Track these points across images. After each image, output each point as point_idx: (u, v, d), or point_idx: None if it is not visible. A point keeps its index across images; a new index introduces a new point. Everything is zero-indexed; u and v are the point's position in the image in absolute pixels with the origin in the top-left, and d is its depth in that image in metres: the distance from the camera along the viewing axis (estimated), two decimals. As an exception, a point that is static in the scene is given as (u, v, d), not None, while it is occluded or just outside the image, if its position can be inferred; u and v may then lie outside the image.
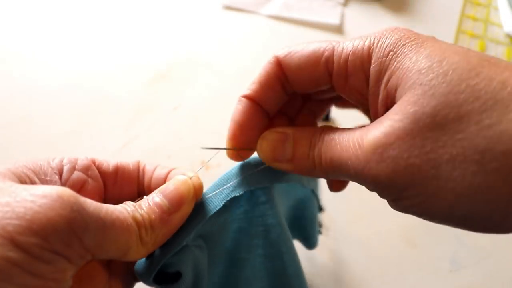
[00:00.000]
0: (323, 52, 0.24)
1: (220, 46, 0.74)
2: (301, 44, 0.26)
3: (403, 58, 0.21)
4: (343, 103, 0.32)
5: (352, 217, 0.54)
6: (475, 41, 0.80)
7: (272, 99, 0.27)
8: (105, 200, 0.28)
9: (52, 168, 0.25)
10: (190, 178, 0.25)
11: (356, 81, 0.24)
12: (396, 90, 0.21)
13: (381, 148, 0.20)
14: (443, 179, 0.18)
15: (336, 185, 0.30)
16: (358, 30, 0.78)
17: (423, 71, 0.19)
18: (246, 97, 0.27)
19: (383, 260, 0.51)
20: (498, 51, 0.79)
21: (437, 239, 0.53)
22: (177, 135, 0.61)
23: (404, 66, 0.20)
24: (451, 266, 0.51)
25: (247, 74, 0.70)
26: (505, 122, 0.17)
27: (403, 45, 0.21)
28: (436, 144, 0.18)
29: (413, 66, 0.20)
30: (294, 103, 0.30)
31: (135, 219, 0.22)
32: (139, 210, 0.23)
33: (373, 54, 0.22)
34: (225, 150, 0.27)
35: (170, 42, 0.74)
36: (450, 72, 0.18)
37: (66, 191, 0.19)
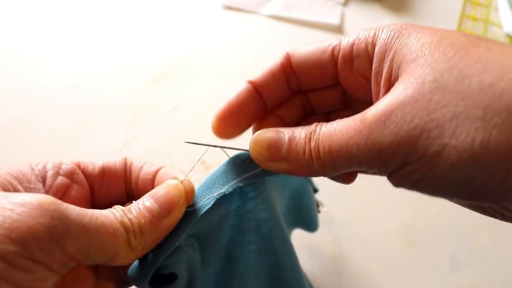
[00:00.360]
0: (330, 43, 0.25)
1: (220, 46, 0.74)
2: (308, 43, 0.26)
3: (407, 37, 0.22)
4: None
5: (352, 217, 0.54)
6: (475, 41, 0.80)
7: (272, 88, 0.27)
8: (92, 203, 0.27)
9: (35, 175, 0.24)
10: (181, 182, 0.25)
11: (361, 63, 0.24)
12: (399, 66, 0.21)
13: (384, 116, 0.20)
14: (446, 137, 0.18)
15: (346, 176, 0.28)
16: (358, 30, 0.78)
17: (426, 45, 0.20)
18: (248, 82, 0.27)
19: (383, 259, 0.51)
20: (498, 51, 0.79)
21: (437, 239, 0.53)
22: (177, 135, 0.61)
23: (408, 43, 0.21)
24: (451, 266, 0.51)
25: (247, 74, 0.70)
26: (506, 80, 0.17)
27: (407, 28, 0.22)
28: (439, 105, 0.18)
29: (416, 42, 0.21)
30: (295, 113, 0.29)
31: (123, 224, 0.22)
32: (128, 214, 0.22)
33: (378, 38, 0.23)
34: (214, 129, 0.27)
35: (170, 42, 0.74)
36: (451, 45, 0.20)
37: (46, 199, 0.19)
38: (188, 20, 0.78)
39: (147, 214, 0.23)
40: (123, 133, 0.61)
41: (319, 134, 0.23)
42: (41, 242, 0.18)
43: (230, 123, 0.27)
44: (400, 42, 0.22)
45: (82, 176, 0.26)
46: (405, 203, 0.56)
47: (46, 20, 0.75)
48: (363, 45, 0.24)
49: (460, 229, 0.54)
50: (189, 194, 0.25)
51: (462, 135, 0.18)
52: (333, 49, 0.25)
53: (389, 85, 0.22)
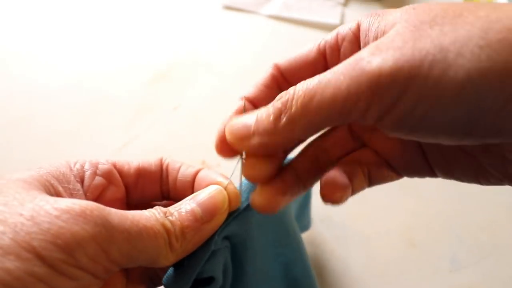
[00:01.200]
0: (314, 43, 0.26)
1: (220, 46, 0.74)
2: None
3: (391, 11, 0.22)
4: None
5: (352, 217, 0.54)
6: (475, 41, 0.80)
7: (268, 100, 0.24)
8: (128, 204, 0.27)
9: (74, 175, 0.24)
10: (225, 187, 0.25)
11: (348, 45, 0.24)
12: (385, 26, 0.21)
13: (384, 45, 0.19)
14: (451, 57, 0.17)
15: (328, 189, 0.24)
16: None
17: (411, 7, 0.21)
18: (242, 98, 0.27)
19: (383, 259, 0.51)
20: (498, 51, 0.79)
21: (437, 239, 0.53)
22: (177, 135, 0.61)
23: (393, 12, 0.21)
24: (451, 266, 0.51)
25: (247, 74, 0.70)
26: (497, 12, 0.18)
27: (387, 10, 0.22)
28: (440, 33, 0.18)
29: (399, 10, 0.21)
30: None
31: (164, 226, 0.22)
32: (170, 216, 0.22)
33: (361, 21, 0.23)
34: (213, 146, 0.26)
35: (170, 42, 0.74)
36: (435, 4, 0.20)
37: (89, 205, 0.19)
38: (188, 20, 0.78)
39: (190, 217, 0.23)
40: (123, 133, 0.61)
41: (295, 87, 0.21)
42: (86, 249, 0.18)
43: (226, 146, 0.25)
44: (384, 15, 0.22)
45: (118, 176, 0.26)
46: (405, 203, 0.56)
47: (46, 20, 0.75)
48: (347, 29, 0.24)
49: (460, 229, 0.54)
50: (233, 200, 0.25)
51: (468, 54, 0.17)
52: (318, 45, 0.25)
53: None
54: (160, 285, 0.25)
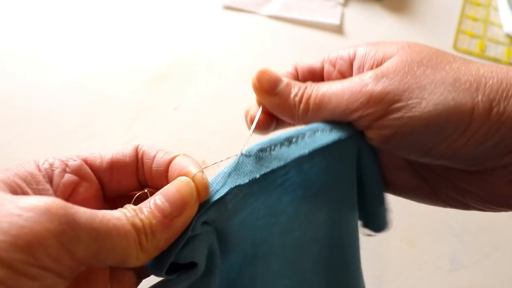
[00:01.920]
0: (321, 59, 0.32)
1: (220, 46, 0.74)
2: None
3: (389, 43, 0.28)
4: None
5: (352, 217, 0.54)
6: (475, 41, 0.80)
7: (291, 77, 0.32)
8: (105, 198, 0.27)
9: (43, 174, 0.23)
10: (193, 177, 0.24)
11: (343, 64, 0.30)
12: (383, 56, 0.27)
13: (381, 74, 0.25)
14: (426, 93, 0.24)
15: (265, 121, 0.31)
16: (358, 30, 0.78)
17: (407, 44, 0.27)
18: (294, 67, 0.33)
19: (383, 259, 0.51)
20: (498, 51, 0.79)
21: (437, 239, 0.53)
22: (177, 135, 0.61)
23: (392, 44, 0.27)
24: (451, 266, 0.51)
25: (247, 74, 0.70)
26: (466, 67, 0.25)
27: (381, 42, 0.29)
28: (423, 74, 0.25)
29: (397, 44, 0.27)
30: None
31: (134, 225, 0.21)
32: (139, 214, 0.22)
33: (358, 48, 0.29)
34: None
35: (170, 42, 0.74)
36: (426, 47, 0.27)
37: (54, 203, 0.18)
38: (188, 20, 0.78)
39: (158, 214, 0.22)
40: (123, 133, 0.61)
41: (315, 86, 0.28)
42: (48, 249, 0.17)
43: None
44: (380, 46, 0.28)
45: (89, 171, 0.25)
46: (405, 203, 0.56)
47: (46, 20, 0.75)
48: (346, 53, 0.30)
49: (460, 229, 0.54)
50: (202, 191, 0.24)
51: (438, 93, 0.24)
52: (322, 60, 0.32)
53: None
54: (147, 272, 0.25)
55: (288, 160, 0.25)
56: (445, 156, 0.25)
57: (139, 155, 0.27)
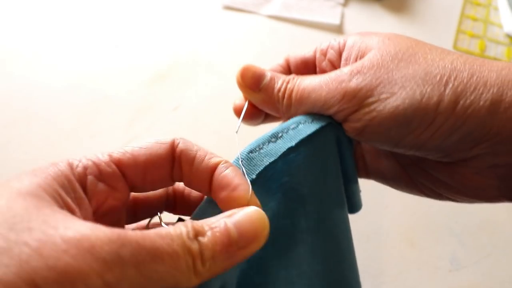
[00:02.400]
0: (313, 49, 0.34)
1: (220, 46, 0.74)
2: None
3: (370, 36, 0.29)
4: None
5: (352, 217, 0.54)
6: (475, 41, 0.80)
7: (280, 72, 0.34)
8: (134, 200, 0.27)
9: (76, 179, 0.22)
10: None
11: (333, 53, 0.31)
12: (365, 48, 0.28)
13: (355, 70, 0.27)
14: (396, 88, 0.25)
15: (252, 112, 0.33)
16: (358, 30, 0.78)
17: (387, 37, 0.28)
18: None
19: (383, 259, 0.51)
20: (498, 51, 0.79)
21: (437, 239, 0.53)
22: (177, 135, 0.61)
23: (371, 38, 0.29)
24: (451, 266, 0.51)
25: (247, 74, 0.70)
26: (440, 58, 0.25)
27: (367, 33, 0.30)
28: (395, 68, 0.26)
29: (378, 36, 0.28)
30: None
31: (190, 250, 0.19)
32: (201, 237, 0.19)
33: (347, 38, 0.31)
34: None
35: (170, 42, 0.74)
36: (405, 39, 0.28)
37: (99, 238, 0.17)
38: (188, 20, 0.78)
39: (225, 241, 0.20)
40: (123, 133, 0.61)
41: (297, 80, 0.29)
42: (91, 286, 0.16)
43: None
44: (366, 37, 0.29)
45: (123, 180, 0.24)
46: (405, 203, 0.56)
47: (46, 20, 0.75)
48: (336, 43, 0.31)
49: (460, 229, 0.54)
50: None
51: (408, 88, 0.25)
52: (314, 50, 0.33)
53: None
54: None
55: (278, 154, 0.27)
56: (414, 148, 0.26)
57: (176, 154, 0.25)
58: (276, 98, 0.29)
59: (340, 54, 0.31)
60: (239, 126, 0.30)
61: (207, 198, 0.25)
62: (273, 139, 0.27)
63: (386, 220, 0.54)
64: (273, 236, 0.26)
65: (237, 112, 0.34)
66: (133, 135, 0.61)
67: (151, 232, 0.19)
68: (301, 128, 0.28)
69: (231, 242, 0.20)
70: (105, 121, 0.62)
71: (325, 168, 0.29)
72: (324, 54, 0.32)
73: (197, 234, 0.20)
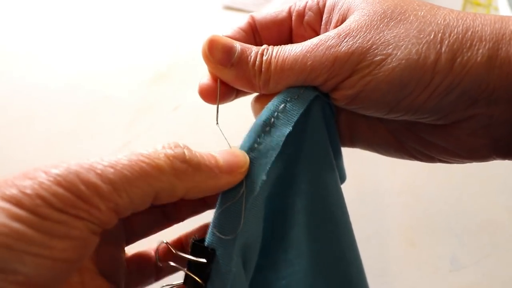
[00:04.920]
0: (288, 5, 0.30)
1: (220, 46, 0.74)
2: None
3: None
4: None
5: (352, 217, 0.54)
6: (475, 41, 0.80)
7: (242, 40, 0.29)
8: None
9: None
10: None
11: (312, 16, 0.29)
12: (348, 10, 0.26)
13: (344, 33, 0.24)
14: (390, 49, 0.23)
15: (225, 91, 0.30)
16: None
17: None
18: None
19: (383, 259, 0.51)
20: (498, 51, 0.79)
21: (437, 239, 0.53)
22: (177, 135, 0.61)
23: None
24: (451, 266, 0.51)
25: (247, 74, 0.70)
26: (432, 14, 0.24)
27: None
28: (386, 27, 0.24)
29: None
30: None
31: (166, 155, 0.21)
32: (185, 149, 0.22)
33: None
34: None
35: (170, 42, 0.74)
36: None
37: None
38: (188, 20, 0.78)
39: (212, 160, 0.22)
40: (123, 133, 0.61)
41: (272, 50, 0.26)
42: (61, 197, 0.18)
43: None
44: None
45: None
46: (405, 203, 0.56)
47: (46, 20, 0.75)
48: (314, 3, 0.29)
49: (460, 229, 0.54)
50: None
51: (402, 47, 0.23)
52: (289, 9, 0.30)
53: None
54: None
55: (280, 145, 0.25)
56: (410, 112, 0.24)
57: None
58: (252, 73, 0.26)
59: (320, 15, 0.28)
60: (218, 113, 0.28)
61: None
62: (267, 128, 0.25)
63: (386, 220, 0.54)
64: (271, 219, 0.26)
65: (205, 94, 0.30)
66: (133, 135, 0.61)
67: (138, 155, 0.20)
68: (290, 107, 0.26)
69: (218, 164, 0.22)
70: (105, 121, 0.62)
71: (316, 143, 0.28)
72: (302, 15, 0.29)
73: (184, 146, 0.22)
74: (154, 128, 0.62)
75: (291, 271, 0.26)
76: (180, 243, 0.28)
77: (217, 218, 0.23)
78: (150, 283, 0.28)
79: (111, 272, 0.25)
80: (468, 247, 0.53)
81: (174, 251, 0.24)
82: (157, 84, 0.68)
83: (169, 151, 0.21)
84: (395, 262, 0.51)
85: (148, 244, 0.28)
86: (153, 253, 0.28)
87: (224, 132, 0.28)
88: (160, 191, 0.20)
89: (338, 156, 0.31)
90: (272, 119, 0.25)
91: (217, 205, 0.24)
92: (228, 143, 0.26)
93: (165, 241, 0.26)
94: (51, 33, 0.73)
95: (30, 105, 0.63)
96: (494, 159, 0.26)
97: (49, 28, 0.74)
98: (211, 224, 0.23)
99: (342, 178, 0.33)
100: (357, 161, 0.62)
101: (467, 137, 0.25)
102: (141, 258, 0.28)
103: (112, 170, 0.19)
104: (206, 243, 0.23)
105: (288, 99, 0.26)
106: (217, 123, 0.28)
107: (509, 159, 0.25)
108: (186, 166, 0.21)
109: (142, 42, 0.74)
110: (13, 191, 0.17)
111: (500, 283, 0.50)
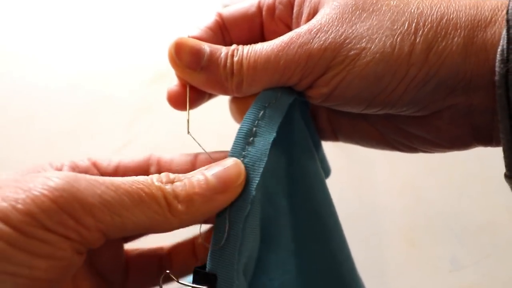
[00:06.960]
0: (256, 1, 0.28)
1: (220, 46, 0.74)
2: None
3: None
4: None
5: (352, 217, 0.54)
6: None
7: (209, 39, 0.28)
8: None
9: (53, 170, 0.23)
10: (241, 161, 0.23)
11: (282, 10, 0.27)
12: (319, 3, 0.25)
13: (315, 28, 0.23)
14: (364, 42, 0.22)
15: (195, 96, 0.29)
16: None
17: None
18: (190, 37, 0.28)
19: (383, 259, 0.51)
20: (498, 51, 0.79)
21: (437, 239, 0.53)
22: (177, 135, 0.61)
23: None
24: (451, 266, 0.51)
25: (247, 74, 0.70)
26: (405, 3, 0.23)
27: None
28: (359, 20, 0.23)
29: None
30: None
31: (160, 189, 0.20)
32: (177, 182, 0.21)
33: None
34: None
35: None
36: None
37: (61, 174, 0.18)
38: (188, 20, 0.78)
39: (203, 185, 0.21)
40: (123, 133, 0.61)
41: (243, 51, 0.24)
42: (49, 212, 0.17)
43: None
44: None
45: (96, 173, 0.25)
46: (405, 203, 0.56)
47: (46, 20, 0.75)
48: None
49: (460, 229, 0.54)
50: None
51: (376, 40, 0.22)
52: (258, 3, 0.28)
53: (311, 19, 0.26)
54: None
55: (266, 154, 0.24)
56: (387, 106, 0.24)
57: (153, 160, 0.27)
58: (223, 75, 0.24)
59: (291, 9, 0.27)
60: (188, 121, 0.26)
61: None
62: (250, 139, 0.24)
63: (386, 220, 0.54)
64: (260, 224, 0.26)
65: (174, 101, 0.30)
66: (133, 135, 0.61)
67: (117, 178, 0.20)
68: (269, 113, 0.25)
69: (209, 186, 0.21)
70: (104, 122, 0.62)
71: (299, 145, 0.27)
72: (272, 9, 0.28)
73: (173, 180, 0.21)
74: (154, 128, 0.62)
75: (282, 271, 0.26)
76: (192, 244, 0.28)
77: (211, 253, 0.23)
78: (154, 284, 0.27)
79: (108, 270, 0.25)
80: (468, 247, 0.53)
81: (177, 281, 0.23)
82: (157, 84, 0.68)
83: (163, 186, 0.21)
84: (395, 263, 0.51)
85: (147, 242, 0.28)
86: (155, 252, 0.28)
87: (216, 128, 0.27)
88: (154, 223, 0.20)
89: (318, 149, 0.31)
90: (254, 129, 0.24)
91: (210, 246, 0.23)
92: (204, 149, 0.25)
93: (167, 271, 0.25)
94: (51, 33, 0.73)
95: (30, 105, 0.63)
96: (476, 146, 0.26)
97: (49, 28, 0.74)
98: (209, 255, 0.23)
99: (327, 172, 0.33)
100: (357, 162, 0.62)
101: (447, 127, 0.25)
102: (143, 257, 0.28)
103: (113, 193, 0.19)
104: (207, 269, 0.23)
105: (267, 105, 0.25)
106: (188, 132, 0.27)
107: (490, 146, 0.25)
108: (176, 203, 0.21)
109: (142, 42, 0.74)
110: (3, 204, 0.17)
111: (500, 283, 0.50)
